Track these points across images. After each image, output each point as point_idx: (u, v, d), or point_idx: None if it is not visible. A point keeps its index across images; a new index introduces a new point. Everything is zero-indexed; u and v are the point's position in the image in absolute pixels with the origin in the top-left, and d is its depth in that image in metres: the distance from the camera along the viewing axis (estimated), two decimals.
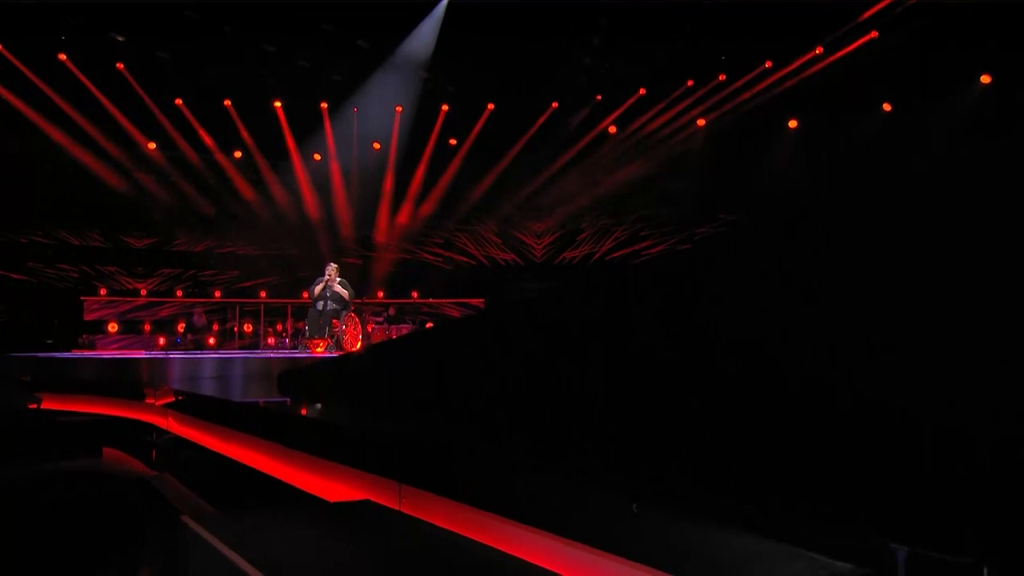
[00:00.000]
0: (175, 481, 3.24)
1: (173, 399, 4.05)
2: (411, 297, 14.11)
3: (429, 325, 13.59)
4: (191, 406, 3.72)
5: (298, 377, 5.43)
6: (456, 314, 14.33)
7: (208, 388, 6.42)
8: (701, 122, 13.20)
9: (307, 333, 9.12)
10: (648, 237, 13.98)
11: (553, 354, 2.27)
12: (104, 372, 6.56)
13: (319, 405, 3.76)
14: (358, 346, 9.52)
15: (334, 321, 9.08)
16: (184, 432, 3.74)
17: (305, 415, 2.64)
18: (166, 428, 3.96)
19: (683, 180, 12.78)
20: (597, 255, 14.29)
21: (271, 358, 6.94)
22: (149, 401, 4.26)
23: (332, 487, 2.30)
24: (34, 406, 4.50)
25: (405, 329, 12.86)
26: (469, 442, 1.92)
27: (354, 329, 9.44)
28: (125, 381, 6.22)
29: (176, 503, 2.86)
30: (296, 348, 12.02)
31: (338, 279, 9.14)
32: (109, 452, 4.30)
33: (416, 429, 2.41)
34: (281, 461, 2.65)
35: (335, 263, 9.32)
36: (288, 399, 5.04)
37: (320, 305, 9.13)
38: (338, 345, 9.09)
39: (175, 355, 6.93)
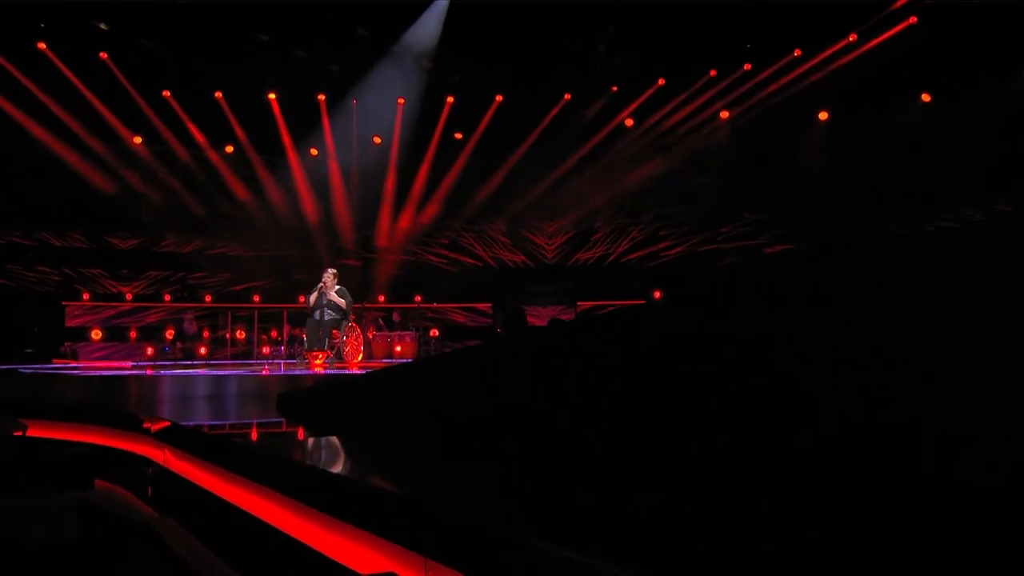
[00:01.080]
0: (176, 525, 3.20)
1: (169, 430, 4.01)
2: (414, 301, 14.08)
3: (434, 332, 13.58)
4: (189, 441, 3.67)
5: (298, 401, 5.39)
6: (462, 319, 14.32)
7: (201, 409, 6.40)
8: (725, 115, 13.11)
9: (305, 345, 9.08)
10: (667, 237, 13.94)
11: (627, 395, 2.16)
12: (89, 391, 6.54)
13: (323, 439, 3.71)
14: (359, 358, 9.48)
15: (334, 332, 9.03)
16: (182, 469, 3.70)
17: (320, 469, 2.58)
18: (163, 463, 3.91)
19: (705, 176, 12.72)
20: (612, 256, 14.24)
21: (267, 376, 6.89)
22: (145, 428, 4.21)
23: (351, 548, 2.25)
24: (19, 433, 4.45)
25: (408, 337, 12.83)
26: (504, 517, 1.85)
27: (355, 340, 9.40)
28: (113, 402, 6.19)
29: (182, 551, 2.81)
30: (294, 358, 12.00)
31: (336, 286, 9.08)
32: (101, 485, 4.26)
33: (440, 487, 2.35)
34: (293, 513, 2.60)
35: (333, 268, 9.25)
36: (285, 419, 5.01)
37: (318, 315, 9.08)
38: (339, 357, 9.05)
39: (165, 373, 6.89)
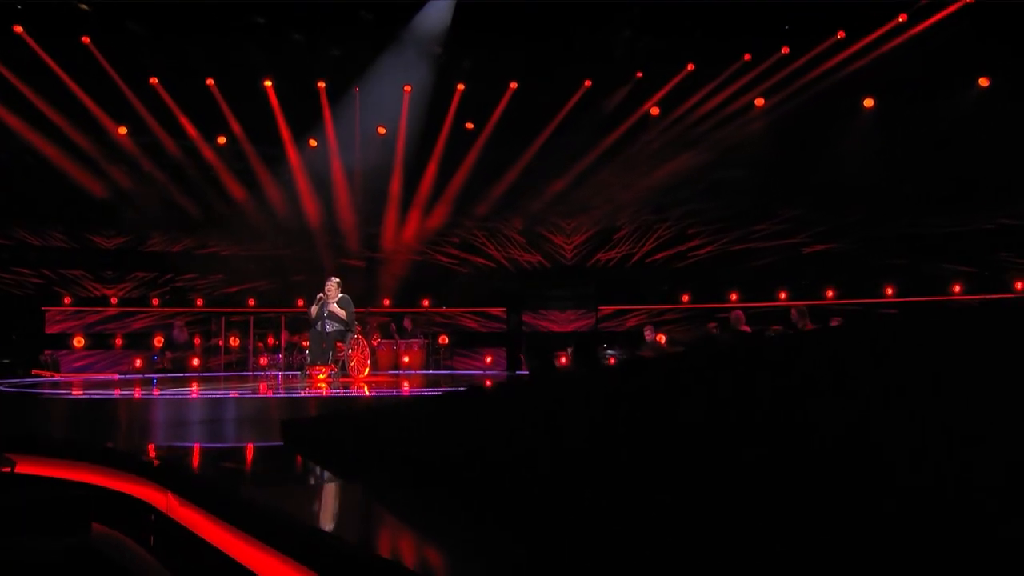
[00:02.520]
0: None
1: (172, 475, 4.00)
2: (421, 306, 14.08)
3: (443, 339, 13.57)
4: (192, 490, 3.66)
5: (306, 432, 5.37)
6: (474, 325, 14.31)
7: (198, 436, 6.41)
8: (760, 102, 13.01)
9: (308, 358, 9.08)
10: (697, 236, 13.88)
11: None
12: (79, 417, 6.54)
13: (344, 487, 3.69)
14: (366, 372, 9.48)
15: (338, 344, 9.04)
16: (186, 518, 3.68)
17: (346, 543, 2.56)
18: (166, 511, 3.90)
19: (738, 170, 12.63)
20: (636, 256, 14.19)
21: (268, 398, 6.89)
22: (147, 471, 4.21)
23: None
24: (7, 469, 4.46)
25: (416, 345, 12.85)
26: None
27: (361, 353, 9.39)
28: (104, 430, 6.20)
29: None
30: (292, 368, 12.04)
31: (339, 296, 9.08)
32: (100, 530, 4.26)
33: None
34: None
35: (336, 277, 9.24)
36: (297, 455, 4.99)
37: (320, 326, 9.08)
38: (343, 371, 9.05)
39: (159, 395, 6.90)
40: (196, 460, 4.82)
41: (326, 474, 4.10)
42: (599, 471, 2.36)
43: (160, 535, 3.95)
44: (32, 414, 6.68)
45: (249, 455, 5.11)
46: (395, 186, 14.00)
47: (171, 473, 4.04)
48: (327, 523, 3.02)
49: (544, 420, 2.88)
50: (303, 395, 7.71)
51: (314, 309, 9.07)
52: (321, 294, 9.00)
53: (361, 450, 4.36)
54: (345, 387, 8.48)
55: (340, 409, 6.45)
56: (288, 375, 11.11)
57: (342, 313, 8.96)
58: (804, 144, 12.52)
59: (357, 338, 9.36)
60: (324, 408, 6.84)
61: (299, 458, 4.70)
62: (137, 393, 7.86)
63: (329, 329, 8.97)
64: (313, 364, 9.01)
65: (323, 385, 8.93)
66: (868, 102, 12.74)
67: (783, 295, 12.86)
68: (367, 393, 8.01)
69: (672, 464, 2.09)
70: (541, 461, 2.73)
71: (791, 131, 12.44)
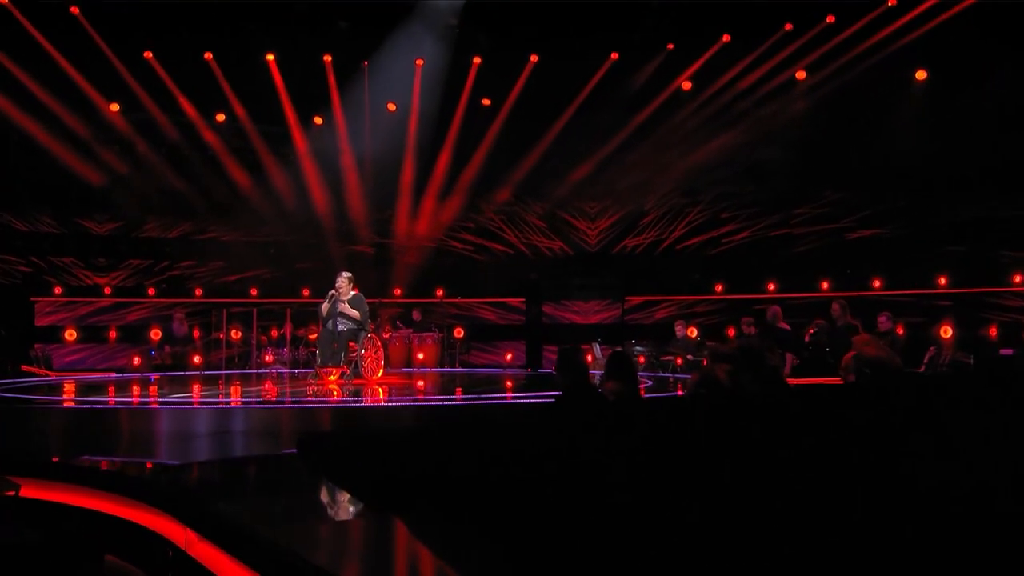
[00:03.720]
0: None
1: (188, 510, 3.96)
2: (435, 296, 14.04)
3: (459, 332, 13.54)
4: (211, 528, 3.63)
5: (325, 449, 5.33)
6: (491, 317, 14.27)
7: (204, 448, 6.39)
8: (802, 76, 12.81)
9: (318, 359, 9.07)
10: (732, 220, 13.74)
11: None
12: (78, 427, 6.52)
13: (361, 508, 3.65)
14: (380, 373, 9.46)
15: (350, 344, 9.00)
16: (206, 557, 3.66)
17: None
18: (184, 547, 3.87)
19: (777, 150, 12.49)
20: (666, 242, 14.08)
21: (280, 408, 6.87)
22: (163, 502, 4.18)
23: None
24: (11, 493, 4.44)
25: (430, 339, 12.81)
26: None
27: (375, 353, 9.36)
28: (106, 443, 6.19)
29: None
30: (299, 365, 12.05)
31: (351, 294, 9.03)
32: (112, 561, 4.25)
33: None
34: None
35: (347, 272, 9.18)
36: (306, 464, 4.95)
37: (331, 324, 9.05)
38: (356, 373, 9.02)
39: (163, 406, 6.89)
40: (211, 487, 4.79)
41: (355, 506, 4.06)
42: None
43: (178, 572, 3.92)
44: (28, 426, 6.67)
45: (267, 479, 5.07)
46: (407, 172, 13.88)
47: (186, 507, 4.00)
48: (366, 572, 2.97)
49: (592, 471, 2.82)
50: (315, 402, 7.70)
51: (325, 306, 9.03)
52: (332, 291, 8.95)
53: (391, 478, 4.32)
54: (357, 393, 8.46)
55: (365, 427, 6.43)
56: (295, 374, 11.12)
57: (355, 313, 8.92)
58: (850, 121, 12.31)
59: (371, 337, 9.32)
60: (340, 420, 6.81)
61: (323, 488, 4.66)
62: (137, 399, 7.87)
63: (341, 328, 8.94)
64: (324, 365, 8.99)
65: (334, 387, 8.91)
66: (920, 75, 12.53)
67: (825, 285, 12.73)
68: (382, 399, 7.99)
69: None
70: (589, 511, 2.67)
71: (836, 107, 12.23)
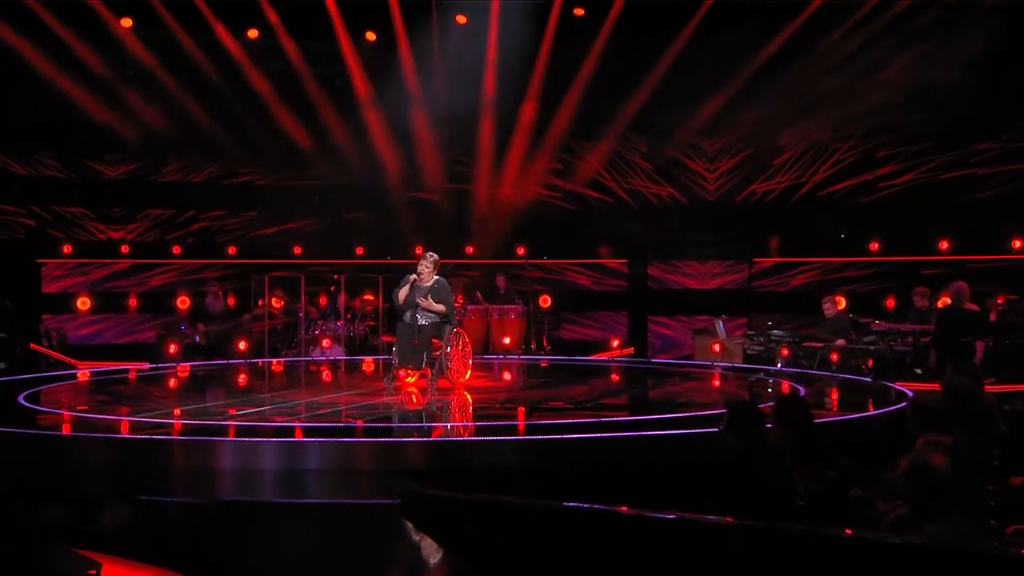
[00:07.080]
0: None
1: None
2: (515, 256, 13.74)
3: (545, 301, 13.29)
4: None
5: (447, 516, 5.10)
6: (585, 282, 14.04)
7: (271, 490, 6.28)
8: None
9: (395, 358, 8.84)
10: (891, 160, 13.27)
11: None
12: (123, 461, 6.44)
13: None
14: (467, 376, 9.24)
15: (433, 341, 8.75)
16: None
17: None
18: None
19: (953, 71, 11.81)
20: (805, 188, 13.63)
21: (357, 444, 6.69)
22: None
23: None
24: (93, 573, 4.47)
25: (513, 313, 12.53)
26: None
27: (462, 351, 9.11)
28: (160, 483, 6.10)
29: None
30: (356, 341, 11.97)
31: (434, 279, 8.72)
32: None
33: None
34: None
35: (433, 253, 8.85)
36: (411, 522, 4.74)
37: (409, 317, 8.79)
38: (440, 373, 8.79)
39: (222, 439, 6.76)
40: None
41: None
42: None
43: None
44: (65, 458, 6.62)
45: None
46: (488, 84, 13.42)
47: None
48: None
49: None
50: (397, 421, 7.60)
51: (401, 293, 8.72)
52: (413, 275, 8.66)
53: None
54: (442, 407, 8.29)
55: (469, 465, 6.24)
56: (354, 363, 11.03)
57: (440, 308, 8.64)
58: None
59: (457, 332, 9.05)
60: (435, 456, 6.60)
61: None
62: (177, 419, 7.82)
63: (422, 322, 8.65)
64: (402, 366, 8.77)
65: (414, 393, 8.76)
66: None
67: (1018, 244, 12.35)
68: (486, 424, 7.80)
69: None
70: None
71: None
